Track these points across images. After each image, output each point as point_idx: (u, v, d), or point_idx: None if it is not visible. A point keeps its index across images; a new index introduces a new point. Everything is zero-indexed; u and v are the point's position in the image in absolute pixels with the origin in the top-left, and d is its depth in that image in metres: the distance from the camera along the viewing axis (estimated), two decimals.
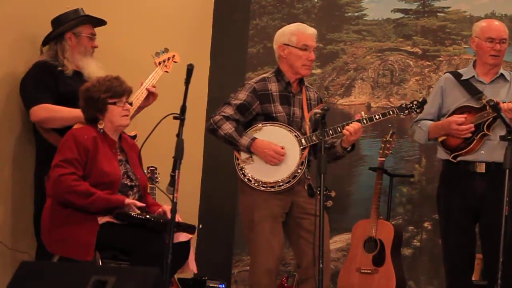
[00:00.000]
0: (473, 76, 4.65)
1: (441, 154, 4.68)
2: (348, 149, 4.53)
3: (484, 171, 4.53)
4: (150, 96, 4.74)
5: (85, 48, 4.69)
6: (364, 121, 4.44)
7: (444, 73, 5.08)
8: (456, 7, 6.00)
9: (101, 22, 4.82)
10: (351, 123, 4.44)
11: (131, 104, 4.24)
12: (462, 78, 4.67)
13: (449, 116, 4.63)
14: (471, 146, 4.53)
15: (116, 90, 4.13)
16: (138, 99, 4.68)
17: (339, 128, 4.45)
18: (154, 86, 4.76)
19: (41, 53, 4.73)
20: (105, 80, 4.15)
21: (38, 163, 4.62)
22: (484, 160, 4.53)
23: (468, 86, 4.63)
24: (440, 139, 4.66)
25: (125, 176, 4.17)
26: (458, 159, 4.58)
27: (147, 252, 3.89)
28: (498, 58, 4.60)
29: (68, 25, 4.65)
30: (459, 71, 4.81)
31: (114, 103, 4.13)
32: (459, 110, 4.60)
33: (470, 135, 4.52)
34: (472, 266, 4.70)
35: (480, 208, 4.54)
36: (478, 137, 4.52)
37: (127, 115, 4.18)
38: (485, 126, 4.50)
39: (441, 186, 4.75)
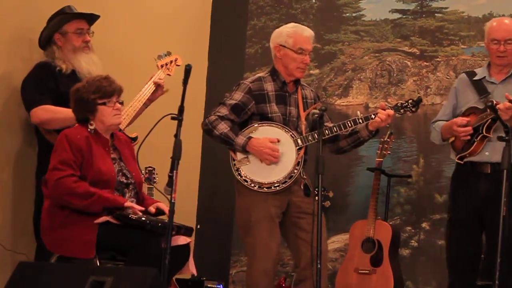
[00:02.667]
0: (485, 77, 4.65)
1: (452, 155, 4.70)
2: (374, 132, 4.50)
3: (489, 172, 4.53)
4: (158, 89, 4.75)
5: (74, 45, 4.68)
6: (360, 120, 4.44)
7: (460, 73, 5.07)
8: (454, 7, 6.00)
9: (91, 17, 4.78)
10: (377, 113, 4.41)
11: (122, 103, 4.23)
12: (475, 78, 4.67)
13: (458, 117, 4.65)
14: (473, 148, 4.53)
15: (105, 90, 4.13)
16: (139, 101, 4.69)
17: (360, 120, 4.43)
18: (161, 79, 4.79)
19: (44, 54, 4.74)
20: (94, 81, 4.16)
21: (40, 164, 4.62)
22: (489, 161, 4.52)
23: (479, 87, 4.63)
24: (450, 140, 4.67)
25: (120, 174, 4.18)
26: (465, 160, 4.59)
27: (144, 252, 3.89)
28: (505, 58, 4.58)
29: (52, 27, 4.65)
30: (475, 70, 4.79)
31: (104, 103, 4.13)
32: (467, 112, 4.60)
33: (469, 137, 4.52)
34: (476, 267, 4.66)
35: (485, 208, 4.54)
36: (478, 139, 4.52)
37: (118, 114, 4.18)
38: (484, 128, 4.49)
39: (451, 186, 4.78)
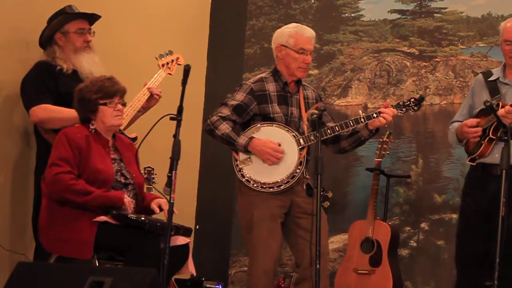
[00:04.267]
0: (499, 78, 4.64)
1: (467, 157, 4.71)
2: (374, 131, 4.51)
3: (498, 174, 4.51)
4: (153, 97, 4.74)
5: (75, 45, 4.67)
6: (362, 119, 4.44)
7: (479, 72, 5.06)
8: (453, 7, 6.00)
9: (92, 17, 4.78)
10: (379, 113, 4.41)
11: (124, 105, 4.23)
12: (489, 79, 4.66)
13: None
14: (481, 150, 4.53)
15: (107, 90, 4.14)
16: (139, 101, 4.68)
17: (362, 119, 4.42)
18: (158, 89, 4.75)
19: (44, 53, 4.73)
20: (97, 81, 4.17)
21: (38, 164, 4.62)
22: (499, 162, 4.50)
23: (492, 88, 4.62)
24: (463, 142, 4.67)
25: (119, 174, 4.17)
26: (477, 161, 4.59)
27: (143, 252, 3.89)
28: None
29: (53, 26, 4.65)
30: (492, 70, 4.78)
31: (105, 104, 4.13)
32: (479, 113, 4.60)
33: (478, 139, 4.52)
34: (483, 267, 4.63)
35: (493, 210, 4.53)
36: (485, 141, 4.51)
37: (119, 116, 4.18)
38: (490, 130, 4.49)
39: (464, 186, 4.79)
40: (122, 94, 4.19)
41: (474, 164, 4.61)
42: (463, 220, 4.72)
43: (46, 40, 4.67)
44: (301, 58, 4.51)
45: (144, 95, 4.71)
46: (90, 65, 4.64)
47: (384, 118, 4.40)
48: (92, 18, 4.77)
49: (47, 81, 4.55)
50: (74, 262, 3.97)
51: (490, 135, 4.49)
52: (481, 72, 4.90)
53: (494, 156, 4.52)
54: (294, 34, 4.54)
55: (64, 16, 4.65)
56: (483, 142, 4.52)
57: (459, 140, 4.71)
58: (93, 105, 4.12)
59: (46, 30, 4.65)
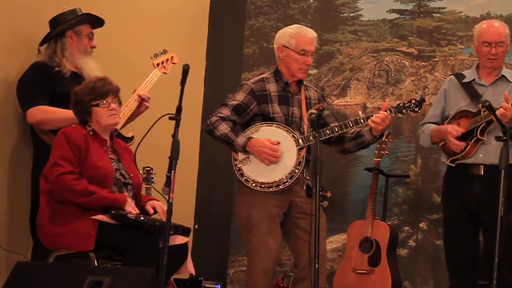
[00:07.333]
0: (474, 79, 4.65)
1: (443, 157, 4.70)
2: (377, 136, 4.51)
3: (482, 174, 4.54)
4: (142, 104, 4.72)
5: (85, 47, 4.70)
6: (361, 120, 4.45)
7: (450, 75, 5.08)
8: (452, 7, 6.00)
9: (99, 22, 4.82)
10: (375, 114, 4.42)
11: (120, 103, 4.23)
12: (464, 81, 4.67)
13: (449, 121, 4.64)
14: (466, 151, 4.53)
15: (98, 91, 4.13)
16: (127, 107, 4.65)
17: (362, 120, 4.43)
18: (148, 97, 4.73)
19: (38, 52, 4.72)
20: (89, 82, 4.19)
21: (35, 164, 4.61)
22: (482, 162, 4.53)
23: (469, 90, 4.62)
24: (440, 144, 4.67)
25: (118, 173, 4.18)
26: (458, 162, 4.58)
27: (142, 252, 3.89)
28: (496, 61, 4.59)
29: (69, 24, 4.65)
30: (463, 72, 4.79)
31: (97, 105, 4.13)
32: (458, 115, 4.60)
33: (459, 151, 4.52)
34: (474, 267, 4.66)
35: (479, 210, 4.54)
36: (472, 142, 4.52)
37: (113, 115, 4.17)
38: (478, 131, 4.49)
39: (444, 189, 4.78)
40: (114, 93, 4.18)
41: (453, 165, 4.61)
42: (450, 221, 4.71)
43: (54, 35, 4.66)
44: (302, 59, 4.52)
45: (134, 100, 4.70)
46: (93, 69, 4.65)
47: (373, 121, 4.40)
48: (96, 22, 4.80)
49: (44, 82, 4.55)
50: (73, 261, 3.96)
51: (478, 136, 4.50)
52: (452, 74, 4.90)
53: (478, 156, 4.53)
54: (295, 35, 4.55)
55: (84, 17, 4.68)
56: (469, 142, 4.52)
57: (433, 142, 4.71)
58: (87, 107, 4.13)
59: (58, 24, 4.64)
